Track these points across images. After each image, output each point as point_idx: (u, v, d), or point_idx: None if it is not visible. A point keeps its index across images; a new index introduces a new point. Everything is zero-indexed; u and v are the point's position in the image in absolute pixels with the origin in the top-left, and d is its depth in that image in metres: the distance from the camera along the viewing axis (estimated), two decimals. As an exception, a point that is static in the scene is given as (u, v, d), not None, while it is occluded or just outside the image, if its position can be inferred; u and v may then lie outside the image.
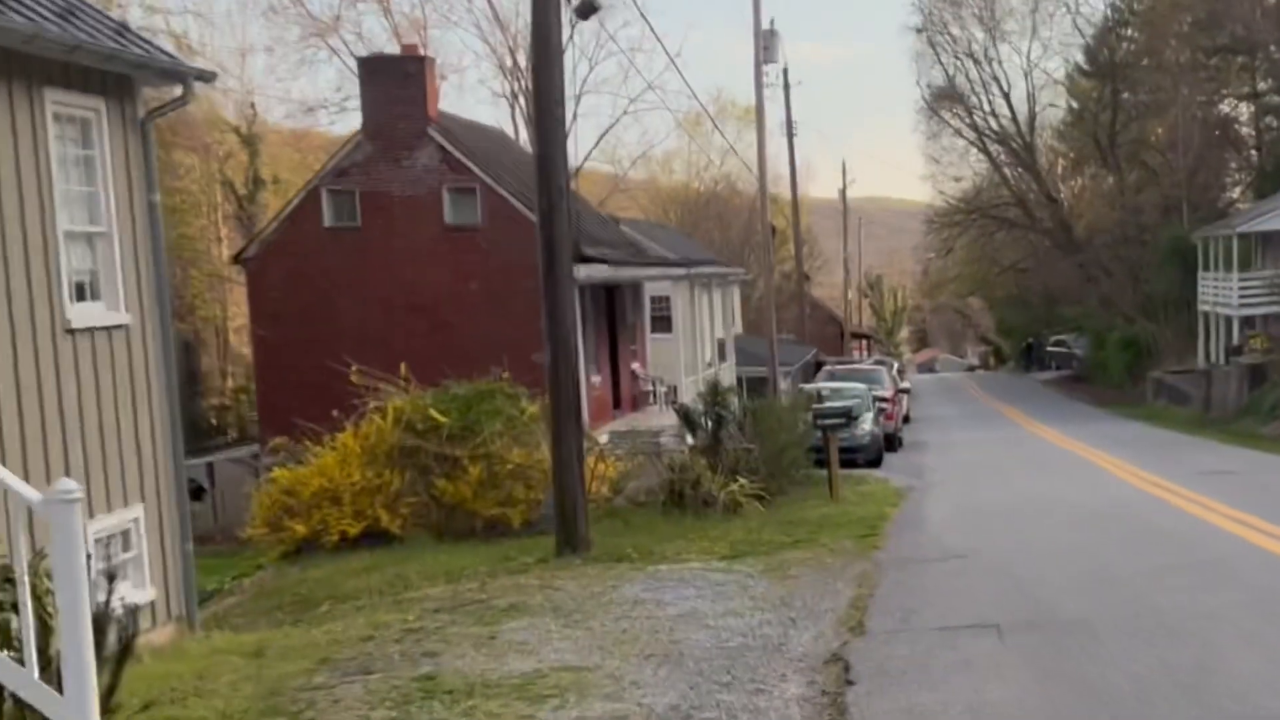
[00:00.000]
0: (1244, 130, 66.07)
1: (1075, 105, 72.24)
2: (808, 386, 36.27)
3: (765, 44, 38.94)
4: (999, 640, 9.87)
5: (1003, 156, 73.76)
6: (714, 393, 21.61)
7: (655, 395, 35.39)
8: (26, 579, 5.92)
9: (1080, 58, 70.48)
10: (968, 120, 73.60)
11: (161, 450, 12.13)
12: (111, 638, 6.63)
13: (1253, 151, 65.03)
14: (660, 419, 30.43)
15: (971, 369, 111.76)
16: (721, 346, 45.39)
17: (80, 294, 11.23)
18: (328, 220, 29.53)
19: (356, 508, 18.75)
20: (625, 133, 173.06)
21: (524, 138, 47.40)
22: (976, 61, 71.86)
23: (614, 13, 60.03)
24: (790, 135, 57.09)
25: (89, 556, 6.53)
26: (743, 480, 19.41)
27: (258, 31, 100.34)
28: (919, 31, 73.19)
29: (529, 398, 19.72)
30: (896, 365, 59.32)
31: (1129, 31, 68.14)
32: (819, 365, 53.06)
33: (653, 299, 38.73)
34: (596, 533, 16.06)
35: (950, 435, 41.32)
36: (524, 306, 23.85)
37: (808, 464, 22.74)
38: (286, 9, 55.62)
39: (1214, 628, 9.97)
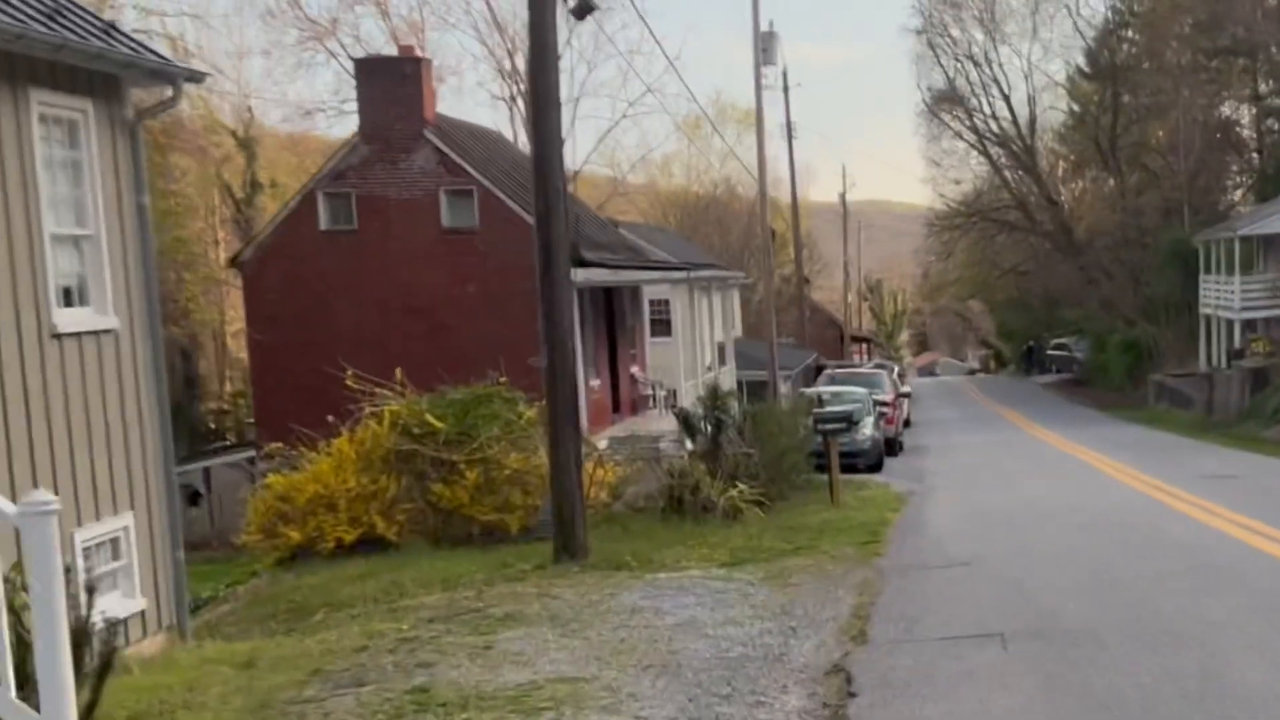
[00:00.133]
0: (1245, 133, 65.92)
1: (1076, 108, 72.09)
2: (808, 391, 36.11)
3: (764, 46, 38.83)
4: (1003, 649, 9.68)
5: (1003, 159, 73.63)
6: (713, 397, 21.45)
7: (655, 399, 35.22)
8: (2, 594, 5.72)
9: (1081, 60, 70.42)
10: (968, 123, 73.49)
11: (152, 457, 11.94)
12: (91, 653, 6.43)
13: (1254, 154, 64.88)
14: (660, 423, 30.24)
15: (972, 372, 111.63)
16: (721, 350, 45.21)
17: (67, 298, 11.03)
18: (324, 223, 29.34)
19: (352, 514, 18.54)
20: (624, 136, 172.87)
21: (522, 140, 47.25)
22: (977, 64, 71.80)
23: (612, 15, 60.06)
24: (790, 138, 57.01)
25: (69, 570, 6.36)
26: (742, 486, 19.24)
27: (255, 34, 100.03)
28: (919, 33, 73.17)
29: (527, 402, 19.52)
30: (897, 369, 59.15)
31: (1130, 34, 68.00)
32: (819, 369, 52.91)
33: (652, 302, 38.55)
34: (595, 539, 15.88)
35: (951, 439, 41.16)
36: (522, 309, 23.66)
37: (808, 469, 22.57)
38: (284, 12, 55.53)
39: (1220, 635, 9.78)
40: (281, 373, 28.67)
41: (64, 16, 10.76)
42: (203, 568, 26.16)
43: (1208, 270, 51.19)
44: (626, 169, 73.07)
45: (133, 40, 11.73)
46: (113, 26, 11.53)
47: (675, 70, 79.38)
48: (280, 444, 21.65)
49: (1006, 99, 71.78)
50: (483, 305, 28.12)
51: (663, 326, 38.86)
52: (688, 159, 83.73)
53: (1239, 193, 66.22)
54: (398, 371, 19.94)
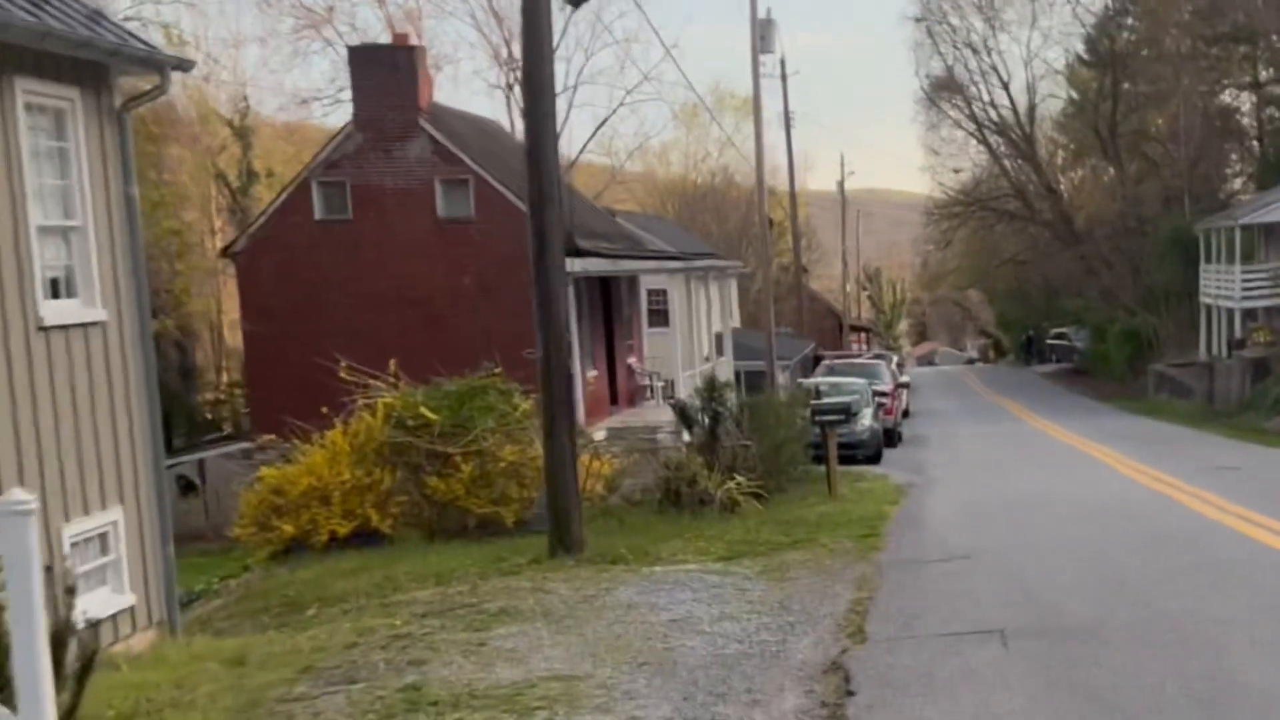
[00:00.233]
0: (1245, 121, 65.69)
1: (1075, 96, 71.82)
2: (806, 381, 35.95)
3: (762, 33, 38.60)
4: (1004, 648, 9.52)
5: (1002, 148, 73.40)
6: (711, 388, 21.28)
7: (652, 390, 35.04)
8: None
9: (1080, 47, 70.11)
10: (967, 111, 73.23)
11: (141, 451, 11.77)
12: (71, 654, 6.27)
13: (1254, 142, 64.67)
14: (657, 414, 30.08)
15: (971, 362, 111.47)
16: (719, 340, 45.04)
17: (54, 290, 10.85)
18: (318, 213, 29.14)
19: (346, 507, 18.40)
20: (622, 125, 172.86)
21: (519, 129, 46.88)
22: (975, 51, 71.51)
23: (610, 3, 59.82)
24: (788, 126, 56.78)
25: (49, 569, 6.20)
26: (740, 478, 19.09)
27: (251, 23, 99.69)
28: (918, 21, 72.84)
29: (522, 393, 19.34)
30: (896, 359, 58.98)
31: (1129, 21, 67.70)
32: (817, 359, 52.75)
33: (649, 292, 38.36)
34: (591, 533, 15.74)
35: (950, 430, 41.01)
36: (518, 300, 23.49)
37: (806, 460, 22.40)
38: (280, 0, 55.17)
39: (1227, 634, 9.61)
40: (276, 364, 28.49)
41: (49, 3, 10.56)
42: (197, 560, 25.99)
43: (1208, 259, 51.00)
44: (624, 158, 72.80)
45: (120, 27, 11.53)
46: (99, 14, 11.33)
47: (673, 58, 78.93)
48: (273, 436, 21.51)
49: (1005, 87, 71.60)
50: (479, 296, 27.95)
51: (660, 317, 38.67)
52: (685, 147, 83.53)
53: (1239, 181, 65.99)
54: (391, 364, 19.77)
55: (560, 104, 52.67)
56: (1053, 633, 9.94)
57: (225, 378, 51.31)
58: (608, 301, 32.99)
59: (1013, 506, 19.50)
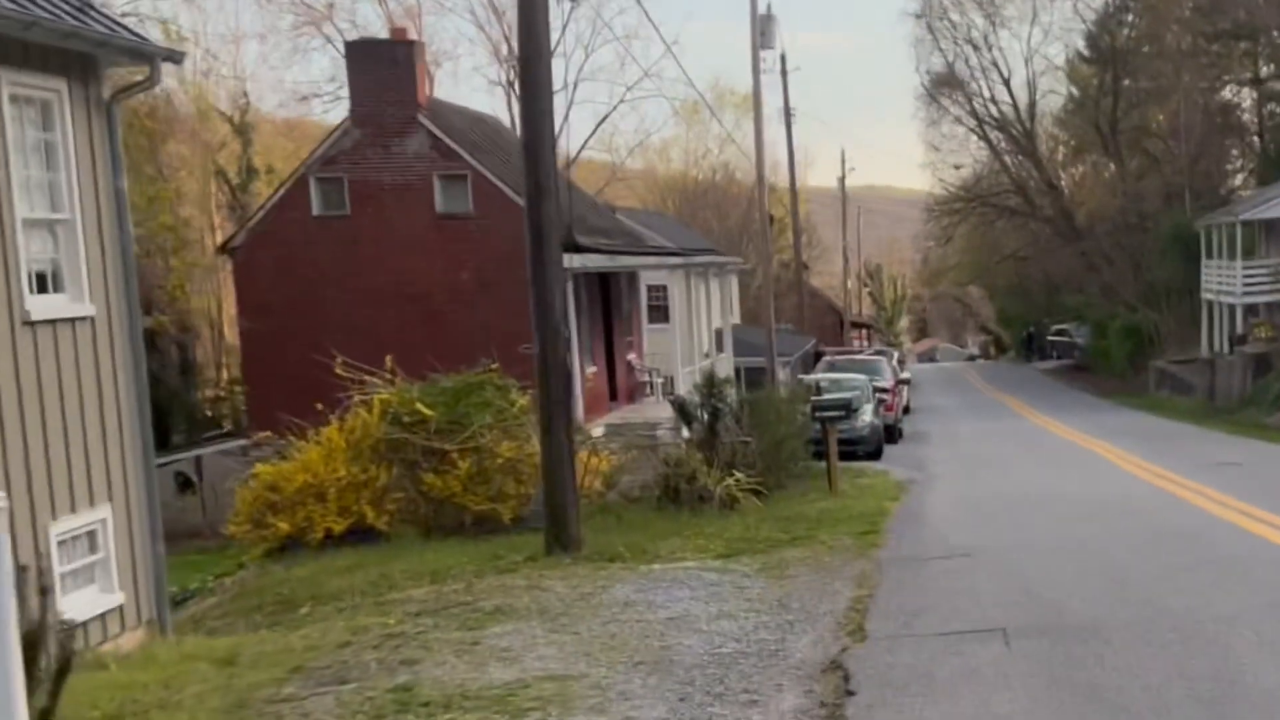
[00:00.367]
0: (1246, 117, 65.53)
1: (1076, 92, 71.64)
2: (807, 378, 35.80)
3: (762, 29, 38.43)
4: (1006, 646, 9.36)
5: (1003, 144, 73.22)
6: (710, 384, 21.12)
7: (652, 386, 34.89)
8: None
9: (1081, 44, 69.94)
10: (967, 107, 73.05)
11: (130, 448, 11.61)
12: (47, 655, 6.12)
13: (1255, 138, 64.50)
14: (657, 411, 29.93)
15: (972, 358, 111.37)
16: (719, 337, 44.88)
17: (41, 285, 10.68)
18: (316, 209, 28.98)
19: (342, 504, 18.24)
20: (622, 121, 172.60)
21: (519, 125, 46.83)
22: (976, 47, 71.35)
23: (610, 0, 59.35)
24: (788, 122, 56.53)
25: (24, 568, 6.05)
26: (739, 474, 18.93)
27: (250, 19, 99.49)
28: (918, 17, 72.65)
29: (520, 389, 19.19)
30: (896, 355, 58.83)
31: (1130, 17, 67.55)
32: (818, 355, 52.60)
33: (649, 288, 38.20)
34: (588, 530, 15.59)
35: (951, 426, 40.87)
36: (516, 296, 23.24)
37: (806, 457, 22.25)
38: (280, -2, 55.03)
39: (1232, 632, 9.45)
40: (273, 360, 28.34)
41: (35, -8, 10.43)
42: (194, 558, 25.86)
43: (1209, 255, 50.86)
44: (624, 154, 72.66)
45: (108, 18, 11.37)
46: (88, 4, 11.16)
47: (673, 55, 78.91)
48: (269, 432, 21.36)
49: (1006, 83, 71.41)
50: (477, 292, 27.79)
51: (660, 313, 38.52)
52: (686, 144, 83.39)
53: (1240, 177, 65.84)
54: (388, 359, 19.61)
55: (560, 101, 52.52)
56: (1055, 631, 9.78)
57: (225, 374, 51.15)
58: (607, 298, 32.85)
59: (1014, 503, 19.36)
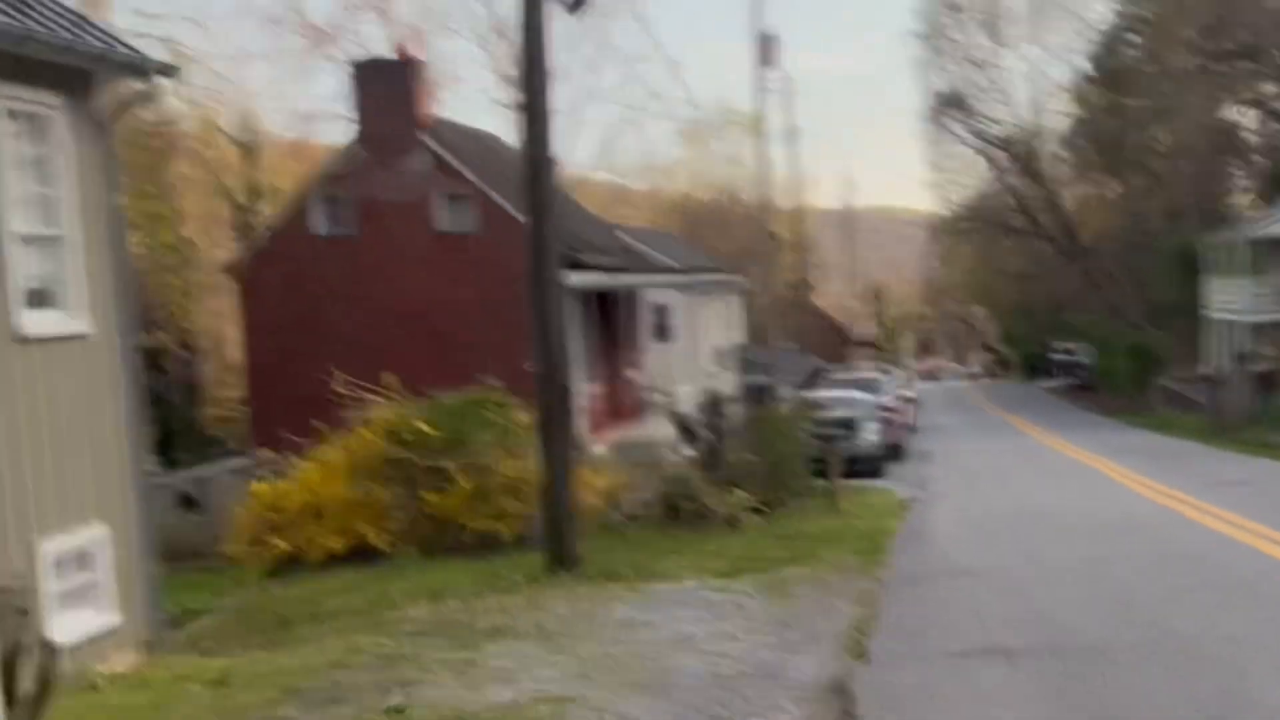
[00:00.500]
0: (1250, 137, 65.43)
1: (1079, 112, 71.58)
2: (809, 396, 35.66)
3: (766, 49, 38.46)
4: (1011, 667, 9.23)
5: (1006, 163, 73.14)
6: (713, 402, 21.00)
7: (655, 405, 34.72)
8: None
9: (1085, 64, 69.88)
10: (971, 127, 72.98)
11: (125, 466, 11.49)
12: (27, 678, 5.99)
13: (1258, 157, 64.39)
14: (659, 429, 29.75)
15: (975, 377, 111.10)
16: (722, 355, 44.74)
17: (35, 301, 10.59)
18: (320, 228, 28.90)
19: (342, 523, 18.11)
20: (627, 142, 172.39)
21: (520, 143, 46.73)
22: (980, 68, 71.26)
23: (616, 21, 59.49)
24: (792, 142, 56.55)
25: (3, 590, 5.93)
26: (742, 492, 18.81)
27: (258, 41, 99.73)
28: (922, 38, 72.64)
29: (522, 407, 19.06)
30: (900, 374, 58.68)
31: (1133, 37, 67.51)
32: (821, 374, 52.44)
33: (653, 307, 38.09)
34: (589, 548, 15.45)
35: (955, 444, 40.69)
36: (519, 314, 23.06)
37: (809, 475, 22.11)
38: (287, 19, 55.15)
39: (1240, 653, 9.32)
40: (277, 379, 28.22)
41: (30, 7, 10.34)
42: (195, 577, 25.66)
43: (1214, 273, 50.74)
44: (629, 175, 72.66)
45: (104, 33, 11.28)
46: (83, 19, 11.09)
47: (678, 76, 78.95)
48: (270, 451, 21.25)
49: (1009, 103, 71.37)
50: (480, 310, 27.66)
51: (663, 331, 38.39)
52: (690, 165, 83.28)
53: (1244, 196, 65.74)
54: (389, 377, 19.51)
55: (566, 122, 52.62)
56: (1061, 652, 9.64)
57: (229, 393, 51.06)
58: (610, 316, 32.73)
59: (1018, 521, 19.22)
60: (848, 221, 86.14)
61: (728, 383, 40.37)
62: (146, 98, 11.68)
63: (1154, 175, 64.71)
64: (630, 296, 34.65)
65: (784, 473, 20.87)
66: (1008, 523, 19.22)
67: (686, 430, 21.09)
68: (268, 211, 47.42)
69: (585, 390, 27.42)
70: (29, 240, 10.56)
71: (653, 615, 11.63)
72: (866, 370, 58.21)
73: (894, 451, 33.85)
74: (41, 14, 10.46)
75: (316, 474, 18.61)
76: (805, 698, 8.79)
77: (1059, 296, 72.60)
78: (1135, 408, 55.17)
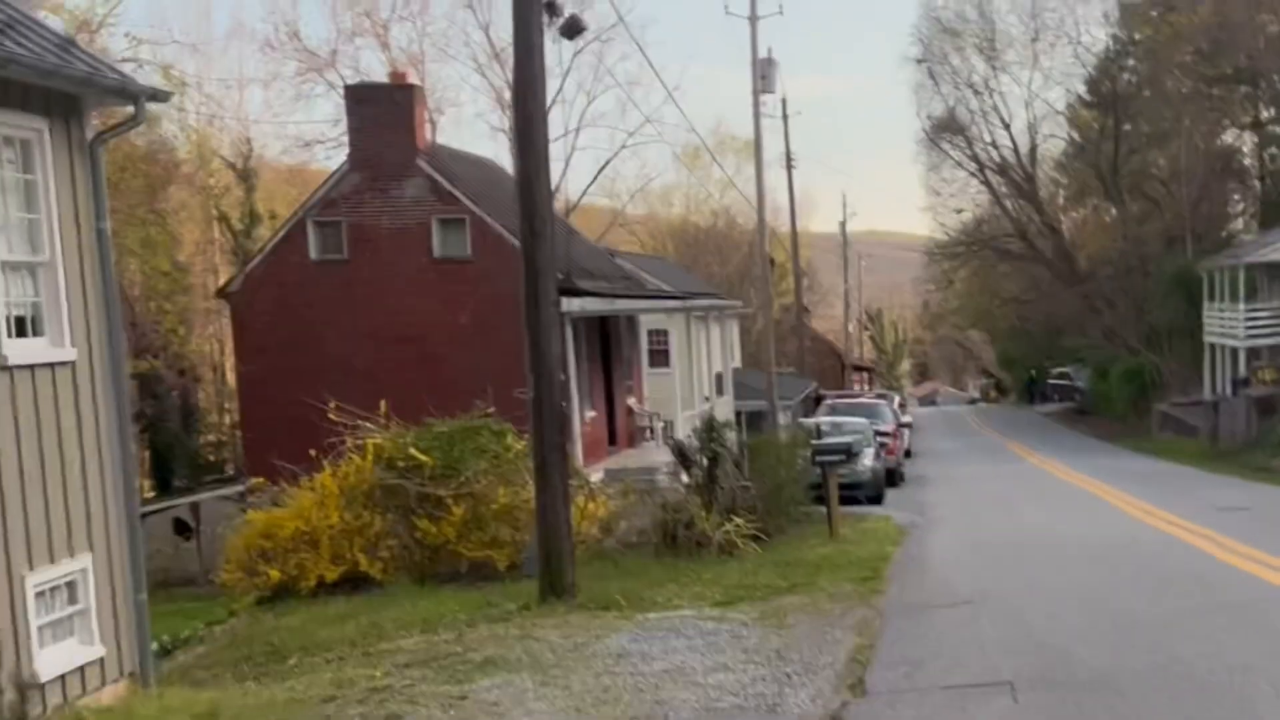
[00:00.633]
0: (1247, 161, 65.50)
1: (1077, 136, 71.66)
2: (807, 421, 35.53)
3: (763, 73, 38.47)
4: (1013, 700, 9.04)
5: (1004, 188, 73.20)
6: (710, 428, 20.82)
7: (652, 431, 34.59)
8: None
9: (1081, 88, 69.99)
10: (968, 151, 73.10)
11: (113, 495, 11.31)
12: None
13: (1256, 182, 64.45)
14: (656, 456, 29.63)
15: (973, 402, 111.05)
16: (719, 381, 44.61)
17: (20, 328, 10.43)
18: (314, 253, 28.77)
19: (335, 551, 17.91)
20: (624, 167, 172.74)
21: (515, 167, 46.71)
22: (977, 92, 71.44)
23: (612, 46, 59.69)
24: (789, 166, 56.62)
25: None
26: (739, 519, 18.61)
27: (254, 66, 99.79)
28: (919, 62, 72.77)
29: (516, 434, 18.89)
30: (898, 399, 58.55)
31: (1130, 62, 67.63)
32: (819, 399, 52.32)
33: (650, 333, 37.97)
34: (585, 577, 15.27)
35: (953, 470, 40.55)
36: (514, 340, 22.89)
37: (806, 501, 21.95)
38: (283, 44, 55.20)
39: (1247, 683, 9.15)
40: (271, 404, 28.04)
41: (15, 31, 10.21)
42: (188, 605, 25.53)
43: (1211, 298, 50.69)
44: (626, 200, 72.61)
45: (91, 57, 11.16)
46: (70, 42, 10.96)
47: (674, 101, 79.05)
48: (263, 478, 21.07)
49: (1007, 127, 71.48)
50: (475, 336, 27.52)
51: (660, 357, 38.30)
52: (687, 189, 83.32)
53: (1241, 221, 65.77)
54: (382, 404, 19.35)
55: (562, 147, 52.56)
56: (1064, 683, 9.47)
57: (227, 419, 50.95)
58: (607, 342, 32.61)
59: (1018, 548, 19.05)
60: (845, 246, 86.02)
61: (725, 408, 40.24)
62: (135, 122, 11.53)
63: (1151, 200, 64.75)
64: (627, 322, 34.52)
65: (782, 499, 20.71)
66: (1007, 549, 19.05)
67: (683, 457, 20.90)
68: (265, 237, 47.41)
69: (581, 416, 27.25)
70: (13, 266, 10.41)
71: (647, 646, 11.45)
72: (864, 395, 58.09)
73: (892, 477, 33.72)
74: (27, 38, 10.33)
75: (309, 501, 18.41)
76: (802, 732, 8.62)
77: (1056, 321, 72.59)
78: (1133, 432, 55.06)
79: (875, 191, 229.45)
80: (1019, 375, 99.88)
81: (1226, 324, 47.98)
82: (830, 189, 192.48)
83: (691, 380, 39.16)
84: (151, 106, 12.21)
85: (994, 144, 71.85)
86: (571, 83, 67.34)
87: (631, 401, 34.79)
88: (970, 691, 9.38)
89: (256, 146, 54.98)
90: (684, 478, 21.22)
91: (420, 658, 11.58)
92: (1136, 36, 66.72)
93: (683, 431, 30.45)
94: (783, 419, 38.04)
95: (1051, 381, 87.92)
